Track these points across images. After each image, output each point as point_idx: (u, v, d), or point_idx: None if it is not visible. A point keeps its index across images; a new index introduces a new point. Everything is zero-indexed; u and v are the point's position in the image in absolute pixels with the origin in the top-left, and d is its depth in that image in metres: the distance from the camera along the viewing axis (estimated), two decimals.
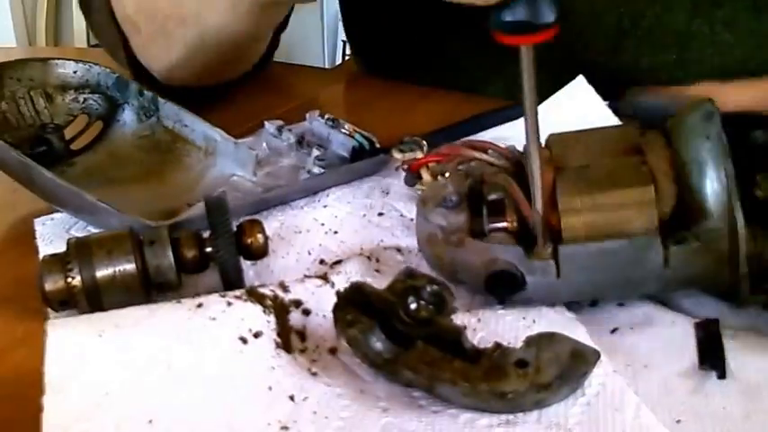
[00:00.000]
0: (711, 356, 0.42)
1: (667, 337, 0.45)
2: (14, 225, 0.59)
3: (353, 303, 0.43)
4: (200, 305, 0.43)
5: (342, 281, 0.48)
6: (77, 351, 0.41)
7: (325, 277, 0.48)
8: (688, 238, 0.44)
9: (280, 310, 0.45)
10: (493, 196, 0.48)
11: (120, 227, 0.49)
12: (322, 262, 0.52)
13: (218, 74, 0.78)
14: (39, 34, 2.48)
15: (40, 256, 0.53)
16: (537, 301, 0.47)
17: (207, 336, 0.42)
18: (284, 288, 0.46)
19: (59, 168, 0.62)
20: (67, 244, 0.47)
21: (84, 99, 0.66)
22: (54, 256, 0.47)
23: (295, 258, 0.53)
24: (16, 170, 0.56)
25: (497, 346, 0.42)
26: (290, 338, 0.44)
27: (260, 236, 0.48)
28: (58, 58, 0.66)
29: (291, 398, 0.41)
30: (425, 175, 0.56)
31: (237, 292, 0.45)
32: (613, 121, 0.65)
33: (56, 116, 0.65)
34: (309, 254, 0.53)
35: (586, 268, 0.45)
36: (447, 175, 0.53)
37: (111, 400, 0.39)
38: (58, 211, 0.58)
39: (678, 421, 0.39)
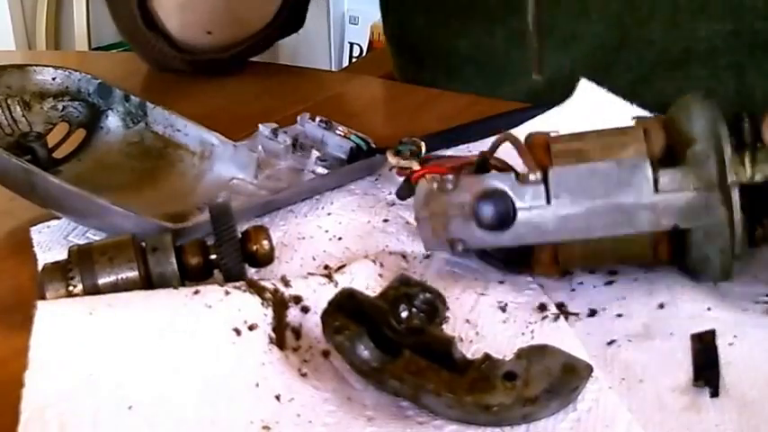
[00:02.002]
0: (706, 372, 0.42)
1: (664, 350, 0.44)
2: (13, 233, 0.58)
3: (344, 310, 0.42)
4: (197, 292, 0.43)
5: (346, 281, 0.47)
6: (65, 328, 0.41)
7: (329, 276, 0.48)
8: (676, 163, 0.46)
9: (278, 304, 0.44)
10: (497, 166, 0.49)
11: (135, 230, 0.48)
12: (326, 267, 0.52)
13: (233, 25, 0.77)
14: (39, 37, 2.47)
15: (39, 264, 0.52)
16: (528, 240, 0.47)
17: (200, 323, 0.42)
18: (286, 283, 0.46)
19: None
20: (69, 252, 0.47)
21: (64, 106, 0.64)
22: (55, 264, 0.47)
23: (299, 264, 0.52)
24: (16, 178, 0.55)
25: (486, 357, 0.41)
26: (284, 335, 0.44)
27: (265, 242, 0.48)
28: (36, 65, 0.65)
29: (277, 397, 0.40)
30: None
31: (237, 283, 0.45)
32: (631, 112, 0.64)
33: (34, 124, 0.63)
34: (314, 259, 0.53)
35: (576, 192, 0.45)
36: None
37: (94, 382, 0.39)
38: (54, 218, 0.57)
39: None
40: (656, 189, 0.45)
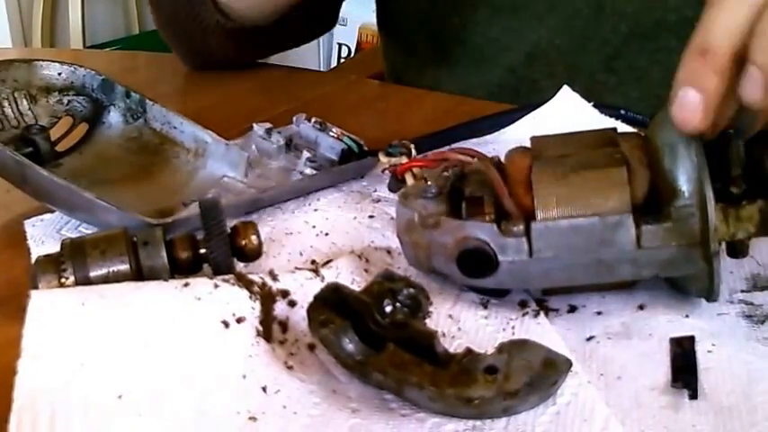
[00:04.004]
0: (684, 375, 0.42)
1: (643, 349, 0.45)
2: (7, 226, 0.59)
3: (329, 303, 0.43)
4: (186, 284, 0.44)
5: (332, 275, 0.48)
6: (58, 318, 0.41)
7: (315, 270, 0.49)
8: (660, 218, 0.45)
9: (266, 297, 0.45)
10: (473, 193, 0.48)
11: (118, 225, 0.49)
12: (313, 262, 0.53)
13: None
14: (34, 35, 2.47)
15: (33, 257, 0.53)
16: (510, 285, 0.47)
17: (189, 315, 0.43)
18: (273, 276, 0.47)
19: (45, 169, 0.62)
20: (61, 245, 0.48)
21: (69, 101, 0.65)
22: (48, 256, 0.48)
23: (286, 259, 0.53)
24: (9, 169, 0.56)
25: (468, 351, 0.42)
26: (271, 328, 0.45)
27: (254, 237, 0.49)
28: (43, 60, 0.66)
29: (264, 389, 0.41)
30: (410, 180, 0.57)
31: (226, 276, 0.45)
32: (603, 123, 0.66)
33: (40, 118, 0.64)
34: (301, 255, 0.54)
35: (558, 247, 0.45)
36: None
37: (85, 372, 0.40)
38: (48, 212, 0.58)
39: None
40: (639, 245, 0.45)
